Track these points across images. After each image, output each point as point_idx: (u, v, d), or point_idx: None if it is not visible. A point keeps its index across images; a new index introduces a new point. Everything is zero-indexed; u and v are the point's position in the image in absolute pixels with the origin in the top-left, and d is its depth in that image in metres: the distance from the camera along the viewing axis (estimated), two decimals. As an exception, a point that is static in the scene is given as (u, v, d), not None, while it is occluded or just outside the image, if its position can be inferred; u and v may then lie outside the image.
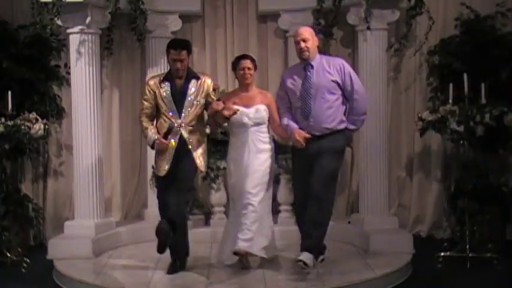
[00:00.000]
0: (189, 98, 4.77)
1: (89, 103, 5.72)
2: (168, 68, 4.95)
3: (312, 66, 4.84)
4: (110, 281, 4.78)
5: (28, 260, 5.42)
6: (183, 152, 4.76)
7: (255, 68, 5.05)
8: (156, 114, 4.86)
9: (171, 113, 4.75)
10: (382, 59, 5.82)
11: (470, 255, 5.25)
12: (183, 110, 4.76)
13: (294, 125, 4.84)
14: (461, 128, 5.29)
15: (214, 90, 4.90)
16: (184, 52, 4.75)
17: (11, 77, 5.95)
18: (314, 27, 5.88)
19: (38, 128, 5.59)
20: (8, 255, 5.49)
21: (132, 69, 6.52)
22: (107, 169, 6.28)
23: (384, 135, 5.83)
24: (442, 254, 5.32)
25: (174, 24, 6.22)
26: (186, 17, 6.37)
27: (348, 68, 4.88)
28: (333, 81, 4.79)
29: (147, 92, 4.84)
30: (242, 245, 4.75)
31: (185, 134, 4.76)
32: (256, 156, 4.90)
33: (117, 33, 6.12)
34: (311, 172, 4.78)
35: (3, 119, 5.53)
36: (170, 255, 4.95)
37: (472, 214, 5.41)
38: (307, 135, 4.76)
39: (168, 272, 4.89)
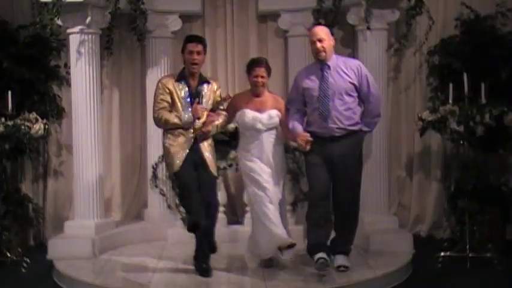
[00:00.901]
0: (203, 101, 4.78)
1: (89, 103, 5.73)
2: (181, 68, 4.90)
3: (329, 67, 4.81)
4: (109, 281, 4.77)
5: (28, 260, 5.42)
6: (196, 153, 4.74)
7: (269, 73, 5.02)
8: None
9: (186, 115, 4.70)
10: (382, 59, 5.82)
11: (470, 255, 5.25)
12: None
13: (298, 129, 4.84)
14: (461, 128, 5.29)
15: (224, 100, 4.89)
16: (200, 46, 4.78)
17: (11, 77, 5.95)
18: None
19: (38, 128, 5.59)
20: (8, 255, 5.49)
21: (132, 69, 6.51)
22: (107, 169, 6.29)
23: (383, 135, 5.83)
24: (442, 253, 5.32)
25: (174, 24, 6.21)
26: (186, 17, 6.36)
27: (365, 70, 4.86)
28: (350, 83, 4.78)
29: (163, 91, 4.74)
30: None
31: (199, 136, 4.74)
32: (276, 169, 4.90)
33: (117, 33, 6.11)
34: (333, 174, 4.78)
35: (3, 119, 5.53)
36: (198, 256, 4.87)
37: (472, 214, 5.40)
38: (310, 139, 4.74)
39: (203, 274, 4.79)
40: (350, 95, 4.79)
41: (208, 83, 4.86)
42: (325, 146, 4.77)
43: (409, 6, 5.71)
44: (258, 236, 4.85)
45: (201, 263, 4.85)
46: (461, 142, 5.49)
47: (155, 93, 4.82)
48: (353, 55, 6.28)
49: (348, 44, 6.36)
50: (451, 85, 5.45)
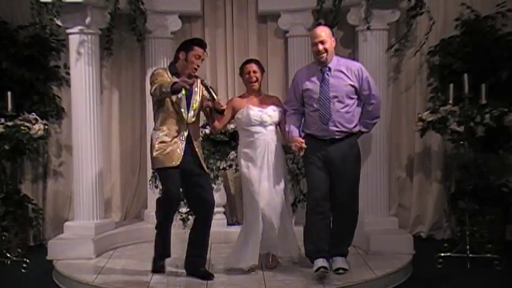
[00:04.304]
0: (194, 96, 4.76)
1: (88, 103, 5.72)
2: (170, 63, 4.88)
3: (330, 69, 4.78)
4: (109, 281, 4.76)
5: (28, 261, 5.41)
6: (189, 150, 4.69)
7: (262, 71, 5.06)
8: (160, 113, 4.71)
9: (182, 109, 4.67)
10: (382, 59, 5.81)
11: (470, 255, 5.24)
12: (190, 108, 4.72)
13: (294, 133, 4.83)
14: (461, 129, 5.29)
15: (222, 112, 4.77)
16: (205, 53, 4.80)
17: (11, 78, 5.95)
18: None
19: (38, 128, 5.60)
20: (8, 255, 5.49)
21: (132, 69, 6.51)
22: (106, 169, 6.29)
23: (384, 135, 5.82)
24: (442, 254, 5.31)
25: (174, 24, 6.21)
26: (185, 18, 6.36)
27: (366, 72, 4.83)
28: (351, 85, 4.75)
29: (162, 75, 4.65)
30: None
31: (191, 128, 4.71)
32: (279, 163, 4.93)
33: (117, 33, 6.11)
34: (331, 176, 4.77)
35: (2, 120, 5.53)
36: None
37: (472, 214, 5.40)
38: (304, 146, 4.72)
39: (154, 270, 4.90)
40: (351, 98, 4.76)
41: (196, 78, 4.82)
42: (324, 148, 4.76)
43: (410, 7, 5.71)
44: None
45: (199, 267, 4.81)
46: (462, 142, 5.49)
47: (152, 79, 4.67)
48: (353, 55, 6.28)
49: (348, 44, 6.36)
50: (451, 85, 5.45)
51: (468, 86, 5.33)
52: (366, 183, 5.80)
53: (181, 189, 4.82)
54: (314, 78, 4.81)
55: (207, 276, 4.74)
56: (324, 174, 4.78)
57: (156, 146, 4.68)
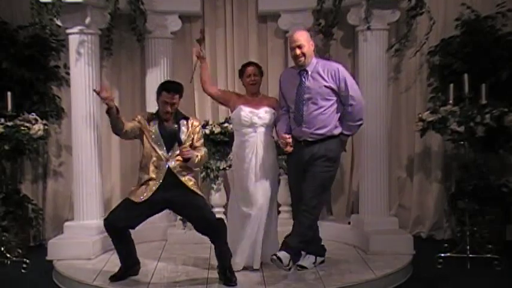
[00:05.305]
0: (181, 137, 4.66)
1: (88, 104, 5.71)
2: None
3: (307, 72, 4.81)
4: (109, 281, 4.75)
5: (28, 261, 5.41)
6: (172, 184, 4.61)
7: (261, 74, 5.09)
8: (143, 148, 4.74)
9: (160, 150, 4.63)
10: (382, 59, 5.80)
11: (470, 256, 5.25)
12: (171, 147, 4.64)
13: (281, 130, 4.88)
14: (461, 129, 5.29)
15: (183, 160, 4.65)
16: (177, 96, 4.65)
17: (11, 77, 5.96)
18: (314, 27, 5.90)
19: (38, 128, 5.59)
20: (8, 255, 5.49)
21: (132, 69, 6.51)
22: (106, 169, 6.28)
23: (384, 135, 5.81)
24: (443, 254, 5.31)
25: (174, 24, 6.20)
26: (185, 17, 6.36)
27: (344, 73, 4.79)
28: (326, 87, 4.74)
29: (133, 120, 4.69)
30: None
31: (172, 164, 4.62)
32: (268, 167, 4.94)
33: (117, 33, 6.10)
34: (304, 178, 4.78)
35: (2, 120, 5.53)
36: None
37: (472, 215, 5.40)
38: (289, 141, 4.78)
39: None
40: (326, 99, 4.75)
41: (187, 119, 4.75)
42: (300, 150, 4.80)
43: (410, 7, 5.71)
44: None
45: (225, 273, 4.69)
46: (462, 142, 5.50)
47: None
48: (353, 55, 6.29)
49: (348, 44, 6.36)
50: (451, 85, 5.45)
51: (468, 86, 5.33)
52: (366, 184, 5.81)
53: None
54: (292, 81, 4.86)
55: (227, 282, 4.62)
56: (298, 177, 4.83)
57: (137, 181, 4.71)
